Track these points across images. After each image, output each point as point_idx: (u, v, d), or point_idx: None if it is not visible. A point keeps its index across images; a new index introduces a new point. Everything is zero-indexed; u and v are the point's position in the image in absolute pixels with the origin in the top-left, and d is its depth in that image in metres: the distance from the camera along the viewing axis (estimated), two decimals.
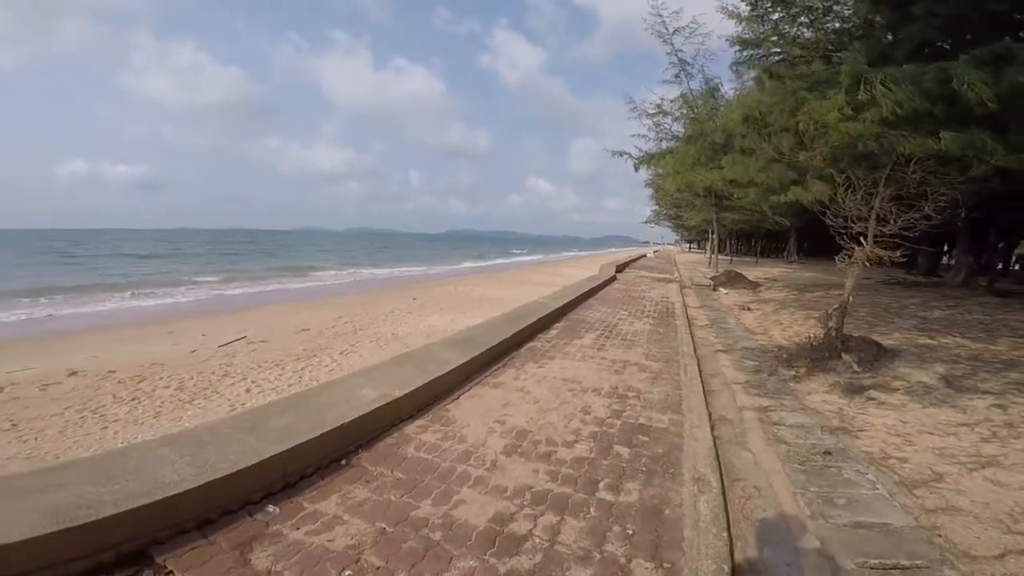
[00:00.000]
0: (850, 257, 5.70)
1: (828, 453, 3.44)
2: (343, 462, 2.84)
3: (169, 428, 4.48)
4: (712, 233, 30.13)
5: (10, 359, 7.68)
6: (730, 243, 40.50)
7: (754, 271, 20.06)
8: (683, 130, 16.79)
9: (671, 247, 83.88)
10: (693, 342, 6.43)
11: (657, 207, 54.50)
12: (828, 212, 6.02)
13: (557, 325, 6.96)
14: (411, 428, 3.35)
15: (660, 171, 14.34)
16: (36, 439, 4.26)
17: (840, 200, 5.83)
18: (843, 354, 5.85)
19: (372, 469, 2.79)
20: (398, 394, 3.43)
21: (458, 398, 3.94)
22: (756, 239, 36.80)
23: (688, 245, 73.87)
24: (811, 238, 35.80)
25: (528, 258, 56.36)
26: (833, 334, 6.00)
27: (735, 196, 15.11)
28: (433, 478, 2.70)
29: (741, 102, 10.49)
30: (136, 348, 8.27)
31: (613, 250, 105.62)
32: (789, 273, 20.96)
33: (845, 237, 5.83)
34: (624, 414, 3.80)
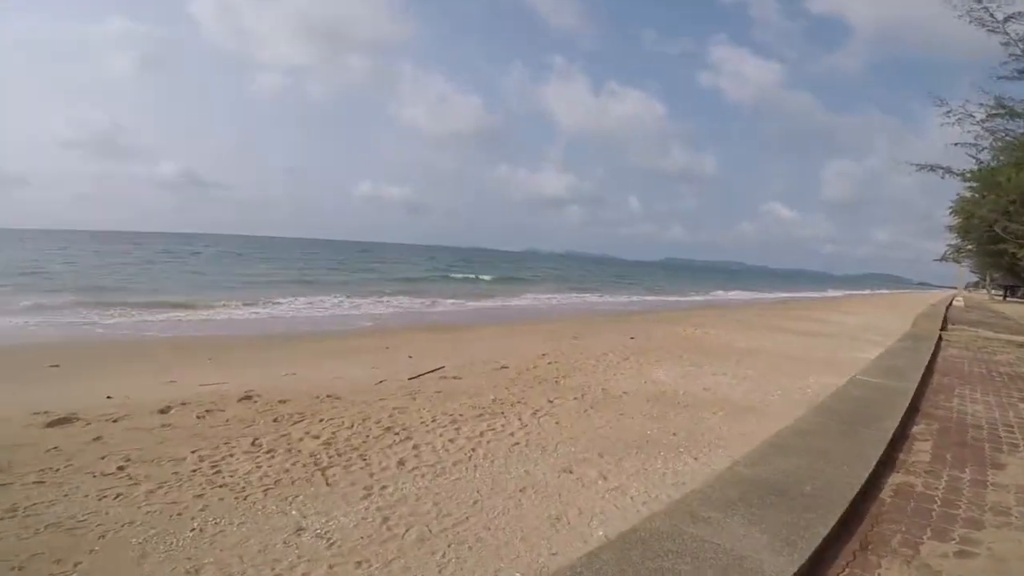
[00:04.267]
0: None
1: None
2: None
3: (266, 517, 3.06)
4: None
5: (221, 365, 7.81)
6: None
7: None
8: None
9: (969, 293, 63.90)
10: None
11: (961, 240, 41.39)
12: None
13: (917, 430, 3.81)
14: None
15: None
16: (118, 497, 3.22)
17: None
18: None
19: None
20: None
21: None
22: None
23: (1003, 292, 54.62)
24: None
25: (769, 295, 48.50)
26: None
27: None
28: None
29: None
30: (335, 367, 7.76)
31: (884, 292, 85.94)
32: None
33: None
34: None
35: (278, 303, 18.06)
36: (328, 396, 5.79)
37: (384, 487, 3.56)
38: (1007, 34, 10.67)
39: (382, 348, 9.66)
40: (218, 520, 3.02)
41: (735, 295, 43.10)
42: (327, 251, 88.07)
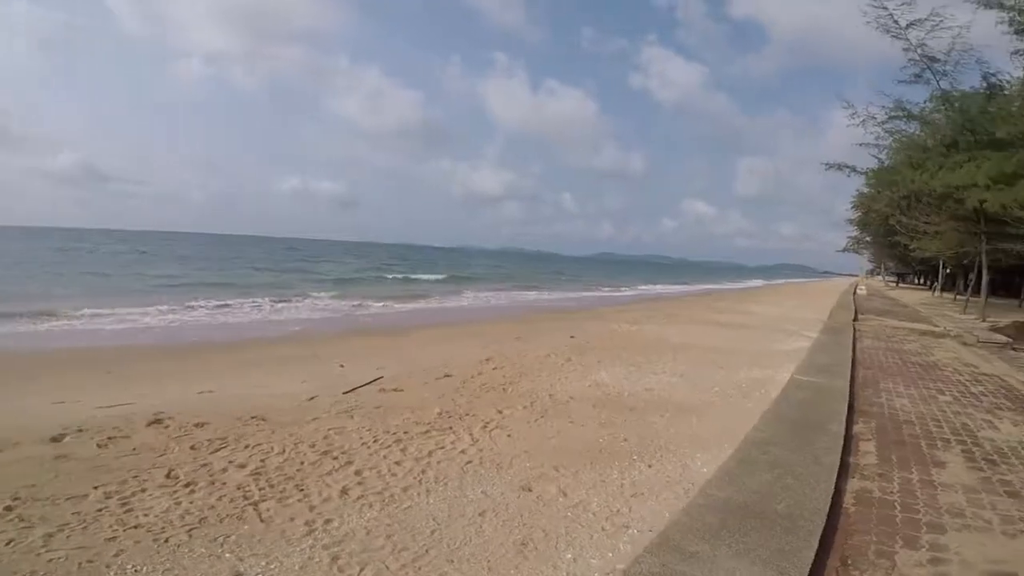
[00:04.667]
0: None
1: None
2: None
3: (195, 562, 2.67)
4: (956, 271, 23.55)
5: (124, 382, 6.98)
6: (958, 278, 31.44)
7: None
8: (940, 136, 12.90)
9: (867, 280, 70.51)
10: None
11: (860, 232, 45.56)
12: None
13: (858, 429, 3.97)
14: None
15: (932, 186, 10.47)
16: (10, 543, 2.76)
17: None
18: None
19: None
20: None
21: None
22: (1012, 275, 27.68)
23: (896, 279, 60.88)
24: None
25: (689, 287, 51.06)
26: None
27: None
28: None
29: None
30: (259, 381, 7.18)
31: (795, 281, 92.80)
32: None
33: None
34: None
35: (192, 307, 16.61)
36: (253, 417, 5.30)
37: (328, 521, 3.25)
38: (908, 40, 11.54)
39: (311, 357, 9.08)
40: (139, 568, 2.62)
41: (662, 288, 44.94)
42: (250, 248, 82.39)
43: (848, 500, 2.69)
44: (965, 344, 9.36)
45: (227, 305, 17.59)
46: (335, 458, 4.26)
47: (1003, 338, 10.17)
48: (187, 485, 3.64)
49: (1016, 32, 8.06)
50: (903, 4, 11.09)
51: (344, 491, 3.68)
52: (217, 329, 13.17)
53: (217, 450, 4.33)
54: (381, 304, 20.33)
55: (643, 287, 44.70)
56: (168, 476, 3.77)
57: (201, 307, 16.81)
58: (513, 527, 3.22)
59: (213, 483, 3.71)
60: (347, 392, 6.48)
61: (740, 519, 2.18)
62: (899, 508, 2.64)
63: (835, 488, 2.63)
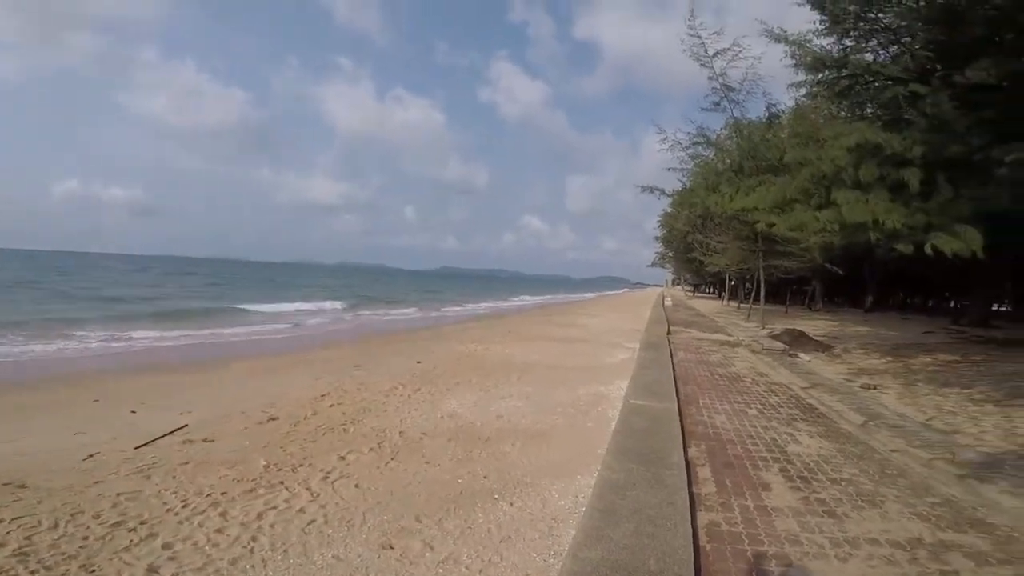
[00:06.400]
0: None
1: None
2: None
3: None
4: (733, 283, 27.86)
5: None
6: (740, 288, 38.11)
7: (796, 324, 17.42)
8: (729, 161, 14.67)
9: (671, 290, 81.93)
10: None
11: (663, 248, 52.61)
12: None
13: (693, 454, 4.18)
14: None
15: (729, 208, 12.04)
16: None
17: None
18: None
19: None
20: None
21: None
22: (780, 286, 34.31)
23: (693, 288, 72.02)
24: (831, 284, 33.56)
25: (527, 301, 53.66)
26: None
27: (798, 241, 12.95)
28: None
29: (840, 129, 8.45)
30: (11, 438, 5.51)
31: (623, 291, 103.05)
32: (838, 328, 18.53)
33: None
34: None
35: None
36: (6, 484, 4.10)
37: None
38: (713, 68, 12.67)
39: (89, 401, 7.29)
40: None
41: (504, 304, 46.23)
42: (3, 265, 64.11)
43: (703, 538, 2.78)
44: (754, 352, 11.09)
45: None
46: (132, 530, 3.41)
47: (781, 345, 12.33)
48: None
49: (795, 65, 9.24)
50: (714, 33, 12.18)
51: (152, 569, 2.97)
52: None
53: None
54: (185, 332, 17.23)
55: (485, 303, 45.57)
56: None
57: None
58: None
59: None
60: (141, 446, 5.27)
61: None
62: (747, 541, 2.80)
63: (691, 527, 2.71)
